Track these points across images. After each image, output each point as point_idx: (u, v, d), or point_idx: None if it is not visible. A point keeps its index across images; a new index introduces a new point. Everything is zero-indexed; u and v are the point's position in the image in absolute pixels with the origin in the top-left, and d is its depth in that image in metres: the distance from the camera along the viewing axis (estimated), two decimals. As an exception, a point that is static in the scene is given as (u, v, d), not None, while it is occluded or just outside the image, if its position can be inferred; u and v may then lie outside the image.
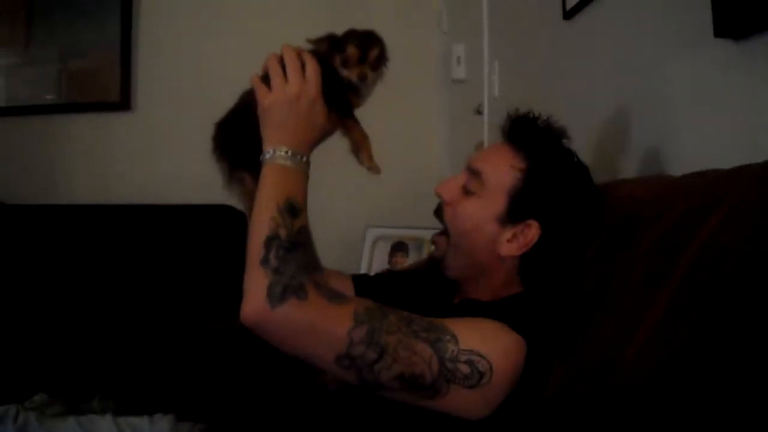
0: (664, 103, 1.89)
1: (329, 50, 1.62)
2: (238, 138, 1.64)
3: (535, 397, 1.44)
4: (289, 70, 1.53)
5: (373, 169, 1.63)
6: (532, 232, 1.60)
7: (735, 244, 1.14)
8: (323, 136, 1.58)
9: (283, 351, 1.41)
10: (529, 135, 1.65)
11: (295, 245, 1.41)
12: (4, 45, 4.34)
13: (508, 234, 1.61)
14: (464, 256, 1.66)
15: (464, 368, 1.38)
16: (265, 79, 1.55)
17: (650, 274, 1.32)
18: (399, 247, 3.83)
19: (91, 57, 4.28)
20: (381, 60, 1.65)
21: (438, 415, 1.43)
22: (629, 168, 2.00)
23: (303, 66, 1.54)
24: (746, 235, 1.13)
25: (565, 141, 1.66)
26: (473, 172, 1.66)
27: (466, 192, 1.66)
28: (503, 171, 1.63)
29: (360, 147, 1.64)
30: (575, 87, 2.47)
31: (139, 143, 4.26)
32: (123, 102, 4.24)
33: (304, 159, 1.52)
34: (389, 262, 3.76)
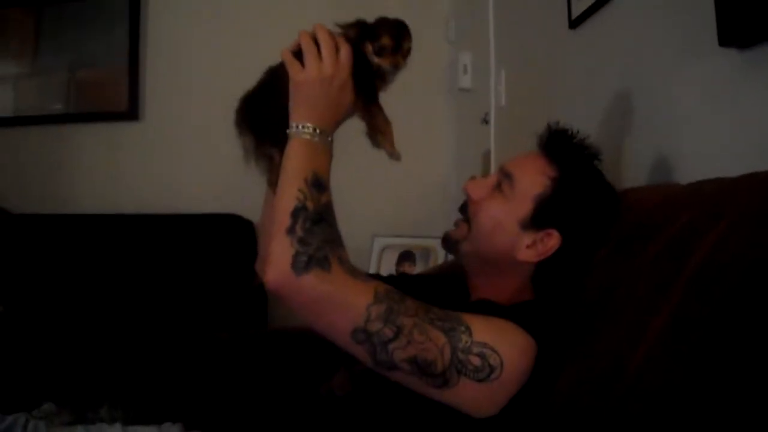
0: (670, 111, 1.90)
1: (360, 36, 1.63)
2: (266, 112, 1.65)
3: (541, 402, 1.45)
4: (324, 50, 1.55)
5: (395, 155, 1.65)
6: (552, 241, 1.61)
7: (740, 252, 1.14)
8: (344, 119, 1.61)
9: (303, 318, 1.43)
10: (564, 147, 1.67)
11: (321, 218, 1.44)
12: (13, 55, 4.37)
13: (528, 240, 1.63)
14: (480, 251, 1.68)
15: (475, 360, 1.38)
16: (297, 55, 1.57)
17: (655, 283, 1.33)
18: (406, 257, 3.84)
19: (100, 67, 4.31)
20: (410, 50, 1.66)
21: (445, 419, 1.43)
22: (635, 176, 2.01)
23: (336, 48, 1.56)
24: (751, 244, 1.14)
25: (596, 162, 1.68)
26: (506, 175, 1.67)
27: (495, 192, 1.67)
28: (534, 177, 1.64)
29: (383, 133, 1.65)
30: (581, 96, 2.48)
31: (147, 153, 4.28)
32: (131, 112, 4.27)
33: (329, 138, 1.55)
34: (396, 272, 3.76)
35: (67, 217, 4.06)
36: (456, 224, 1.74)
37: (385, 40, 1.62)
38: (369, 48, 1.63)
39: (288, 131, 1.54)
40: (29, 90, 4.35)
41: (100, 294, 3.77)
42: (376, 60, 1.63)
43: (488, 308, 1.56)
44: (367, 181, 3.42)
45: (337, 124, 1.59)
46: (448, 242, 1.74)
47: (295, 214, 1.43)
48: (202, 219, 4.02)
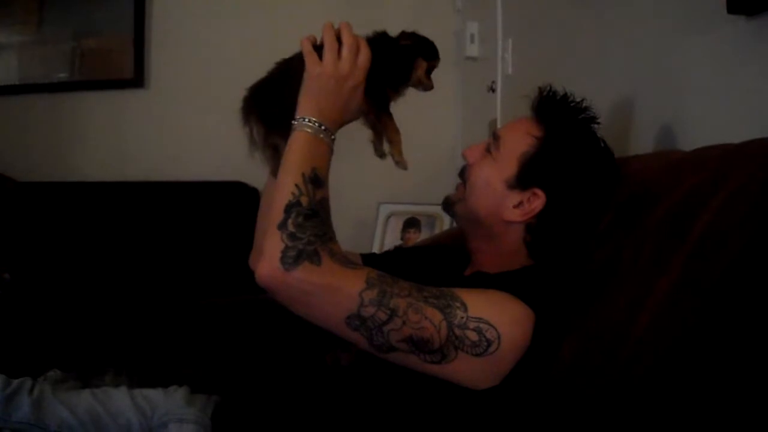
0: (678, 79, 1.89)
1: (414, 48, 1.68)
2: (276, 101, 1.66)
3: (543, 370, 1.45)
4: (345, 49, 1.57)
5: (402, 164, 1.67)
6: (537, 201, 1.62)
7: (744, 217, 1.15)
8: (350, 120, 1.62)
9: (295, 311, 1.45)
10: (553, 109, 1.67)
11: (314, 214, 1.44)
12: (18, 23, 4.34)
13: (514, 200, 1.63)
14: (472, 212, 1.69)
15: (472, 335, 1.39)
16: (316, 48, 1.58)
17: (659, 248, 1.33)
18: (412, 223, 3.84)
19: (105, 35, 4.28)
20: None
21: (449, 389, 1.44)
22: (643, 144, 2.00)
23: (357, 50, 1.57)
24: (755, 208, 1.14)
25: (592, 125, 1.67)
26: (495, 137, 1.69)
27: (486, 154, 1.69)
28: (519, 137, 1.65)
29: (392, 142, 1.67)
30: (588, 64, 2.47)
31: (153, 120, 4.27)
32: (137, 79, 4.24)
33: (332, 137, 1.55)
34: (402, 238, 3.77)
35: (72, 184, 4.06)
36: (456, 188, 1.76)
37: (436, 63, 1.69)
38: (423, 64, 1.67)
39: (293, 122, 1.55)
40: (34, 58, 4.32)
41: (105, 261, 3.78)
42: (423, 78, 1.67)
43: (483, 281, 1.57)
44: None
45: (342, 124, 1.60)
46: (446, 204, 1.76)
47: (288, 209, 1.44)
48: (208, 186, 4.02)
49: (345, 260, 1.44)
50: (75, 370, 2.02)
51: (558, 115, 1.66)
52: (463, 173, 1.75)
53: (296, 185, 1.46)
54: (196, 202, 3.98)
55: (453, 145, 4.02)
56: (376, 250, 3.78)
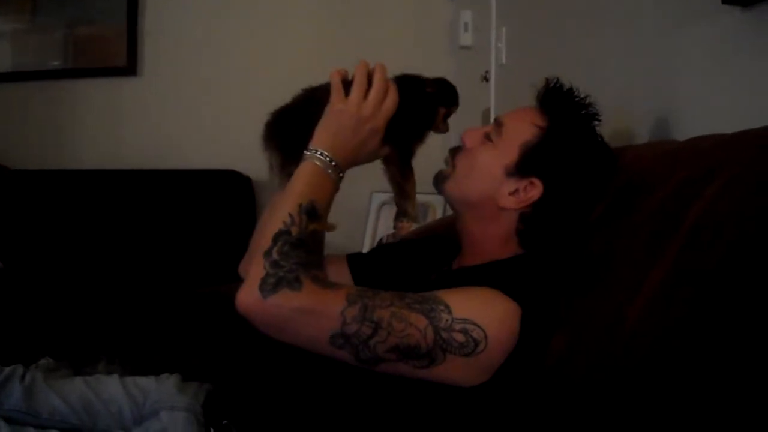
0: (673, 69, 1.89)
1: (437, 96, 1.67)
2: (296, 132, 1.63)
3: (533, 365, 1.45)
4: (373, 91, 1.57)
5: (413, 219, 1.71)
6: (534, 190, 1.61)
7: (737, 206, 1.15)
8: (362, 162, 1.61)
9: (275, 338, 1.44)
10: (559, 101, 1.66)
11: (302, 244, 1.43)
12: (11, 11, 4.34)
13: (511, 187, 1.62)
14: (463, 192, 1.68)
15: (459, 337, 1.39)
16: (345, 84, 1.58)
17: (654, 236, 1.33)
18: (404, 212, 3.83)
19: (98, 23, 4.28)
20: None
21: (439, 384, 1.44)
22: (637, 134, 2.00)
23: (385, 94, 1.57)
24: (748, 198, 1.14)
25: (593, 122, 1.66)
26: (498, 124, 1.67)
27: (485, 140, 1.67)
28: (523, 125, 1.64)
29: (409, 197, 1.71)
30: (582, 54, 2.46)
31: (146, 109, 4.27)
32: (130, 67, 4.25)
33: (341, 174, 1.55)
34: (394, 227, 3.76)
35: (65, 172, 4.06)
36: (445, 161, 1.74)
37: (454, 110, 1.68)
38: (442, 111, 1.67)
39: (305, 152, 1.54)
40: (28, 46, 4.32)
41: (99, 249, 3.78)
42: (440, 124, 1.67)
43: (469, 276, 1.57)
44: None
45: (353, 164, 1.59)
46: (436, 178, 1.73)
47: (276, 237, 1.43)
48: (200, 174, 4.02)
49: (327, 283, 1.44)
50: (67, 359, 2.02)
51: (563, 108, 1.65)
52: (454, 150, 1.73)
53: (290, 214, 1.45)
54: (189, 191, 3.98)
55: (446, 134, 4.00)
56: (368, 239, 3.77)
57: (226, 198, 3.92)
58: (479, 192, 1.65)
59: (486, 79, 3.47)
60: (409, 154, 1.68)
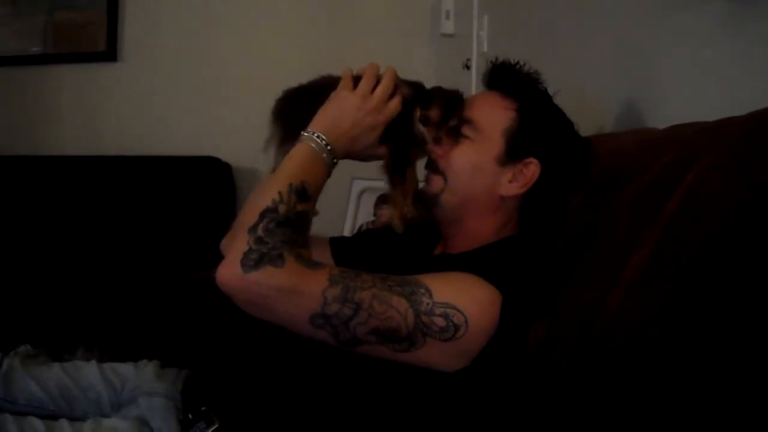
0: (656, 57, 1.89)
1: (413, 98, 1.64)
2: (303, 112, 1.64)
3: (513, 351, 1.46)
4: (380, 87, 1.60)
5: (397, 227, 1.67)
6: (532, 169, 1.62)
7: (718, 192, 1.15)
8: (356, 155, 1.64)
9: (253, 315, 1.44)
10: (514, 79, 1.68)
11: (288, 222, 1.44)
12: (-9, -3, 4.31)
13: (508, 174, 1.63)
14: (464, 197, 1.67)
15: (440, 321, 1.40)
16: (356, 79, 1.61)
17: (635, 222, 1.33)
18: (384, 199, 3.82)
19: (78, 8, 4.26)
20: (458, 128, 1.66)
21: (419, 369, 1.45)
22: (619, 121, 2.00)
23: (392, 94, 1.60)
24: (729, 184, 1.14)
25: (541, 84, 1.69)
26: (465, 121, 1.66)
27: (459, 140, 1.65)
28: (495, 114, 1.64)
29: (395, 204, 1.68)
30: (565, 42, 2.46)
31: (126, 94, 4.26)
32: (109, 53, 4.24)
33: (335, 160, 1.56)
34: (374, 214, 3.75)
35: (44, 158, 4.05)
36: (426, 179, 1.71)
37: (434, 112, 1.62)
38: (417, 113, 1.64)
39: (302, 133, 1.55)
40: (7, 31, 4.30)
41: (78, 236, 3.77)
42: (421, 128, 1.63)
43: (450, 262, 1.57)
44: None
45: (347, 154, 1.60)
46: (426, 197, 1.70)
47: (264, 214, 1.43)
48: (181, 161, 4.00)
49: (310, 262, 1.43)
50: (46, 345, 2.01)
51: (521, 84, 1.67)
52: (433, 164, 1.69)
53: (279, 192, 1.45)
54: (169, 177, 3.96)
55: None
56: (347, 225, 3.77)
57: (206, 184, 3.91)
58: (481, 191, 1.65)
59: (468, 66, 3.47)
60: (403, 161, 1.67)
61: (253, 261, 1.38)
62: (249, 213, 1.47)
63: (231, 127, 4.09)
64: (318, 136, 1.54)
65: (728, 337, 1.03)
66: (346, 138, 1.57)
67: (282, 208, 1.44)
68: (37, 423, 1.64)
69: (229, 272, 1.40)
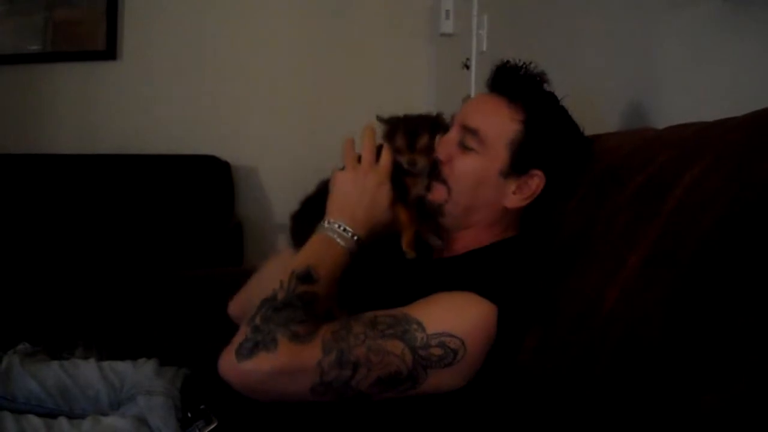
0: (654, 57, 1.89)
1: (388, 133, 1.65)
2: (306, 223, 1.64)
3: (511, 357, 1.46)
4: (363, 151, 1.60)
5: (409, 254, 1.63)
6: (536, 181, 1.62)
7: (717, 190, 1.15)
8: (380, 224, 1.60)
9: (257, 399, 1.44)
10: (521, 85, 1.65)
11: (286, 306, 1.43)
12: (-11, -6, 4.30)
13: (512, 186, 1.63)
14: (467, 208, 1.66)
15: (437, 351, 1.40)
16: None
17: (633, 219, 1.33)
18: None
19: (77, 7, 4.25)
20: (431, 146, 1.65)
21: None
22: (617, 121, 2.01)
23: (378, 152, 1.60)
24: (728, 182, 1.14)
25: (546, 86, 1.67)
26: (469, 130, 1.64)
27: (463, 149, 1.64)
28: (501, 125, 1.62)
29: (402, 231, 1.64)
30: (564, 42, 2.46)
31: (125, 93, 4.26)
32: (108, 51, 4.23)
33: (356, 238, 1.54)
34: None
35: (43, 157, 4.04)
36: (429, 188, 1.68)
37: (399, 140, 1.63)
38: (392, 146, 1.63)
39: (317, 225, 1.56)
40: (6, 30, 4.29)
41: (76, 234, 3.76)
42: (399, 158, 1.63)
43: (445, 267, 1.60)
44: (349, 124, 3.42)
45: (372, 226, 1.58)
46: (430, 207, 1.69)
47: (262, 304, 1.44)
48: (179, 160, 4.01)
49: (304, 337, 1.40)
50: (44, 344, 2.01)
51: (529, 92, 1.64)
52: (437, 172, 1.67)
53: (280, 281, 1.46)
54: (168, 176, 3.97)
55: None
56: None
57: (204, 183, 3.91)
58: (484, 202, 1.65)
59: (467, 66, 3.47)
60: (401, 188, 1.65)
61: (247, 350, 1.38)
62: (256, 297, 1.47)
63: (230, 126, 4.10)
64: (329, 222, 1.54)
65: (725, 337, 1.03)
66: (361, 211, 1.56)
67: (280, 295, 1.44)
68: (36, 421, 1.64)
69: (226, 363, 1.41)
